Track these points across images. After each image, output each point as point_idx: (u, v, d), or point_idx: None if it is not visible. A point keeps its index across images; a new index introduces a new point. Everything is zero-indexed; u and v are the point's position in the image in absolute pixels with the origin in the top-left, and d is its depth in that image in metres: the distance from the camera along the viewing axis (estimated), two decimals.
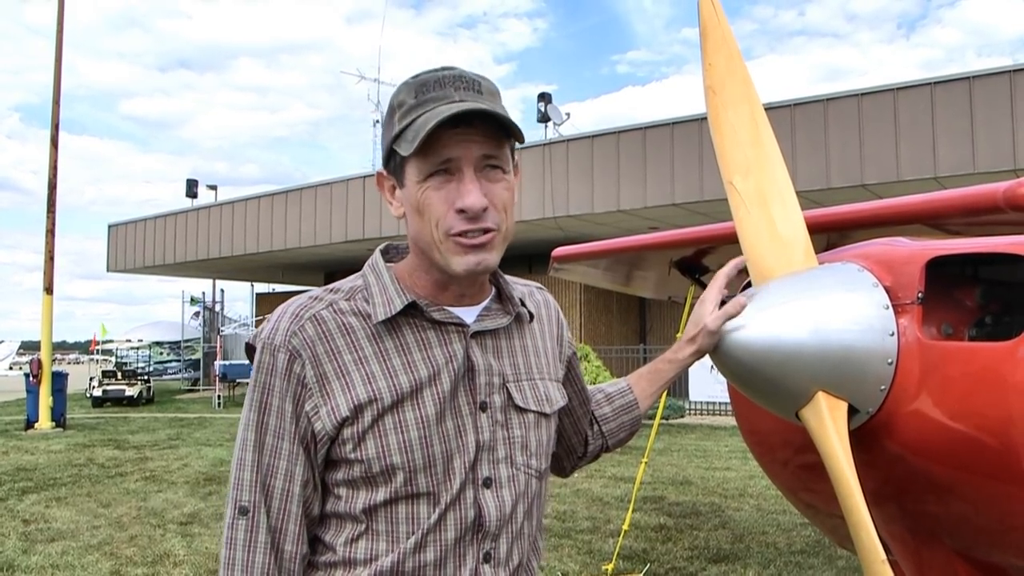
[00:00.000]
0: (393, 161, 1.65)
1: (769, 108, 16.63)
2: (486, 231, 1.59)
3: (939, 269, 2.24)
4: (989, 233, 2.68)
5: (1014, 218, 2.86)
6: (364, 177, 24.44)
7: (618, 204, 19.31)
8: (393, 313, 1.62)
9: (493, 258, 1.63)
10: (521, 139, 1.64)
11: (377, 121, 39.78)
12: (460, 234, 1.58)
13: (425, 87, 1.59)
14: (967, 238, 2.55)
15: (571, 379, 1.97)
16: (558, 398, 1.82)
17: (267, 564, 1.58)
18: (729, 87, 2.36)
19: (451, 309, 1.67)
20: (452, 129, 1.54)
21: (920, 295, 2.16)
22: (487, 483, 1.64)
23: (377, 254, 1.77)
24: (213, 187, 37.61)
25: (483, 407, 1.66)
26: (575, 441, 2.05)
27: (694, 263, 4.89)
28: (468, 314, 1.69)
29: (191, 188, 35.46)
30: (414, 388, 1.60)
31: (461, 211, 1.57)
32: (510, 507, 1.66)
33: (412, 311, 1.64)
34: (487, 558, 1.63)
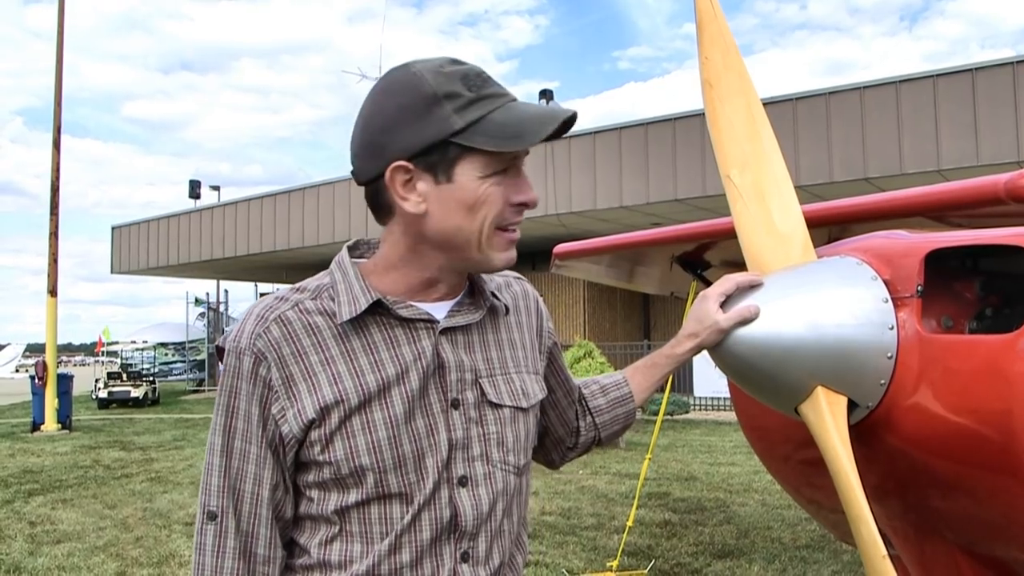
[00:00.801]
0: (440, 154, 1.53)
1: (771, 102, 16.71)
2: None
3: (939, 262, 2.23)
4: (991, 225, 2.67)
5: (1016, 210, 2.85)
6: None
7: (620, 200, 19.31)
8: (358, 312, 1.58)
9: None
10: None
11: None
12: (508, 227, 1.59)
13: (468, 79, 1.55)
14: (968, 230, 2.53)
15: (554, 370, 1.94)
16: (536, 391, 1.78)
17: (236, 570, 1.57)
18: (726, 81, 2.34)
19: (420, 305, 1.64)
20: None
21: (919, 288, 2.15)
22: (462, 482, 1.61)
23: (344, 251, 1.72)
24: (216, 188, 37.76)
25: (455, 404, 1.63)
26: (562, 432, 2.02)
27: (695, 258, 4.88)
28: (438, 310, 1.66)
29: (194, 189, 35.57)
30: (381, 387, 1.57)
31: (520, 205, 1.59)
32: (487, 505, 1.63)
33: (379, 309, 1.60)
34: (465, 557, 1.61)
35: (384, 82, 1.60)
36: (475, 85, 1.54)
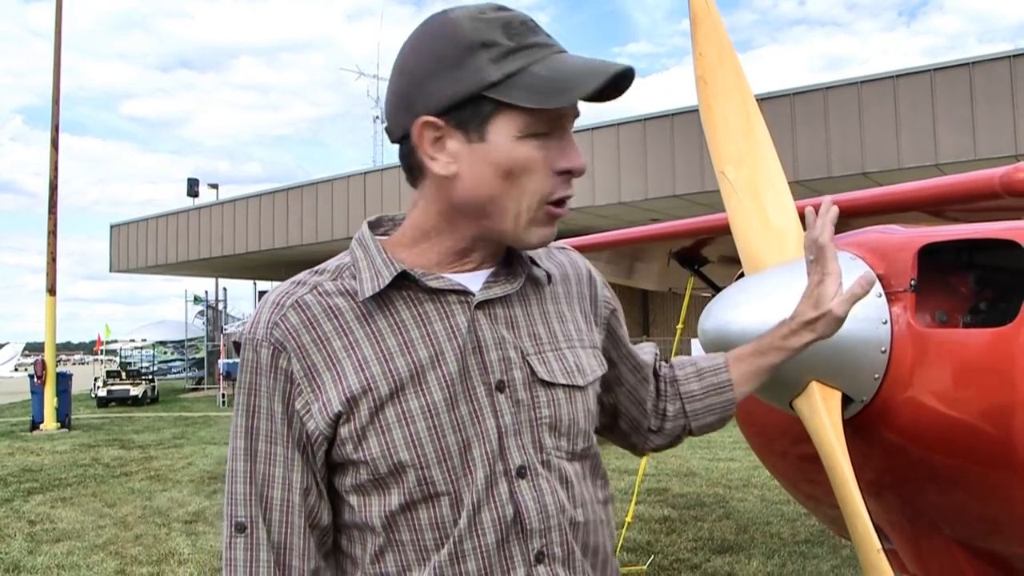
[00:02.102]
0: (475, 109, 1.38)
1: (769, 98, 16.71)
2: None
3: (933, 256, 2.23)
4: (988, 219, 2.67)
5: (1012, 204, 2.85)
6: (365, 173, 24.48)
7: (619, 196, 19.32)
8: (382, 287, 1.42)
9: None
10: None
11: (377, 117, 39.83)
12: (559, 202, 1.43)
13: (511, 26, 1.38)
14: (962, 224, 2.53)
15: (614, 342, 1.74)
16: (595, 366, 1.58)
17: None
18: (720, 77, 2.35)
19: (451, 276, 1.47)
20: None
21: (913, 282, 2.15)
22: (521, 472, 1.44)
23: (365, 226, 1.56)
24: (214, 186, 37.77)
25: (500, 386, 1.45)
26: (636, 413, 1.81)
27: (693, 254, 4.88)
28: (473, 281, 1.48)
29: (192, 187, 35.60)
30: (414, 372, 1.40)
31: (567, 172, 1.42)
32: (551, 496, 1.45)
33: (405, 282, 1.44)
34: (540, 558, 1.44)
35: (419, 30, 1.45)
36: (517, 33, 1.38)
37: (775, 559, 6.99)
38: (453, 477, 1.41)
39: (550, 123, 1.39)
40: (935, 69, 15.87)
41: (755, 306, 2.03)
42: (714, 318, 2.07)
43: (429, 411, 1.40)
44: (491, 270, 1.51)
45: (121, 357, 40.07)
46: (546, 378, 1.49)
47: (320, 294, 1.46)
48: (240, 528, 1.43)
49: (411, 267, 1.45)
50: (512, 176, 1.40)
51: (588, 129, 20.10)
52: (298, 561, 1.44)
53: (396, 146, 1.49)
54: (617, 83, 1.36)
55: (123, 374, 29.40)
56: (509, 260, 1.55)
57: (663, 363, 1.87)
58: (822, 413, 2.01)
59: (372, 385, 1.40)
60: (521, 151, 1.38)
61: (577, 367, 1.54)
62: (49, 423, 19.19)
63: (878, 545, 1.93)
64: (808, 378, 2.03)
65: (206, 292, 37.70)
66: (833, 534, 7.32)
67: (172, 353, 41.01)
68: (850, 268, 2.16)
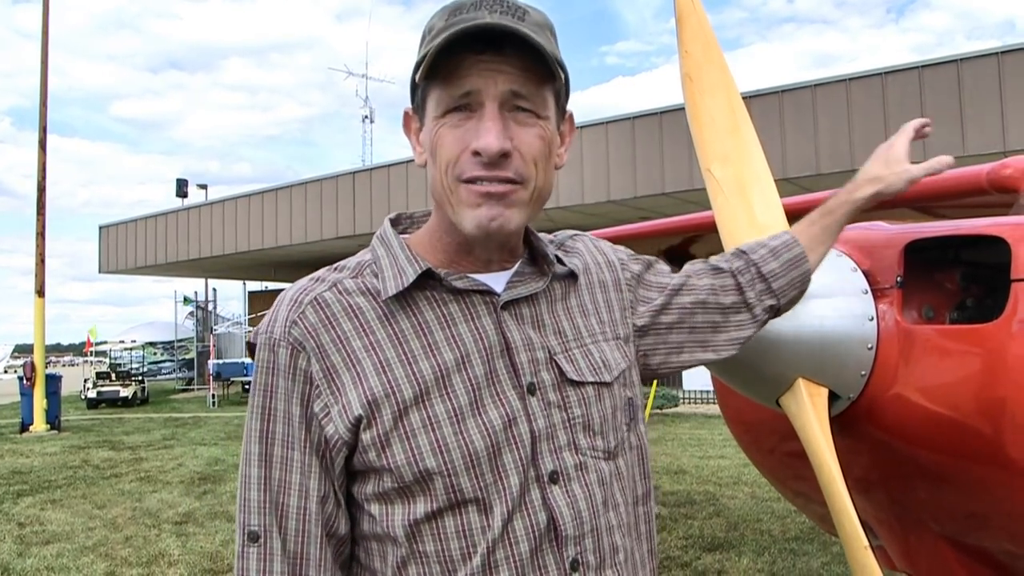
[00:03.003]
0: (416, 96, 1.42)
1: (757, 95, 16.72)
2: (507, 182, 1.35)
3: (919, 253, 2.23)
4: (975, 215, 2.67)
5: (999, 200, 2.85)
6: (354, 173, 24.44)
7: (608, 195, 19.32)
8: (405, 285, 1.38)
9: (515, 216, 1.38)
10: (560, 77, 1.38)
11: (366, 117, 39.78)
12: (472, 180, 1.34)
13: (460, 9, 1.34)
14: (948, 220, 2.54)
15: (662, 302, 1.66)
16: (619, 359, 1.53)
17: None
18: (706, 75, 2.34)
19: (476, 276, 1.43)
20: (477, 56, 1.32)
21: (900, 279, 2.15)
22: (553, 478, 1.39)
23: (386, 223, 1.53)
24: (203, 186, 37.67)
25: (531, 389, 1.40)
26: (721, 320, 1.71)
27: (682, 252, 4.88)
28: (496, 281, 1.45)
29: (181, 188, 35.51)
30: (439, 375, 1.36)
31: (476, 153, 1.33)
32: (585, 502, 1.40)
33: (429, 282, 1.40)
34: (575, 566, 1.38)
35: None
36: (456, 14, 1.35)
37: (765, 556, 7.00)
38: (482, 484, 1.35)
39: (457, 100, 1.35)
40: (923, 66, 15.91)
41: None
42: None
43: (456, 416, 1.35)
44: (514, 269, 1.48)
45: (111, 358, 39.98)
46: (575, 378, 1.45)
47: (340, 292, 1.41)
48: (253, 537, 1.37)
49: (435, 266, 1.42)
50: (434, 156, 1.38)
51: (577, 127, 20.09)
52: (314, 572, 1.38)
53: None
54: (494, 43, 1.31)
55: (113, 375, 29.30)
56: (534, 258, 1.52)
57: (723, 256, 1.80)
58: (809, 410, 2.01)
59: (395, 388, 1.35)
60: (437, 129, 1.37)
61: (603, 362, 1.51)
62: (39, 425, 19.11)
63: (866, 542, 1.93)
64: (795, 375, 2.03)
65: (196, 293, 37.61)
66: (823, 531, 7.35)
67: (162, 354, 40.95)
68: (835, 265, 2.17)
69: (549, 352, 1.44)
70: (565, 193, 19.85)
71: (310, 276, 1.46)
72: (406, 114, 1.48)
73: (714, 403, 20.28)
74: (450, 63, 1.33)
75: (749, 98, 15.86)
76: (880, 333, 2.10)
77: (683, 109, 2.36)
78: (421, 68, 1.35)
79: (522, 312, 1.45)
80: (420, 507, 1.35)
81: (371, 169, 25.27)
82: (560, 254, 1.55)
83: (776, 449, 2.91)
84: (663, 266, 1.75)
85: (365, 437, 1.34)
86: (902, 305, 2.15)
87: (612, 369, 1.51)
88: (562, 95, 1.47)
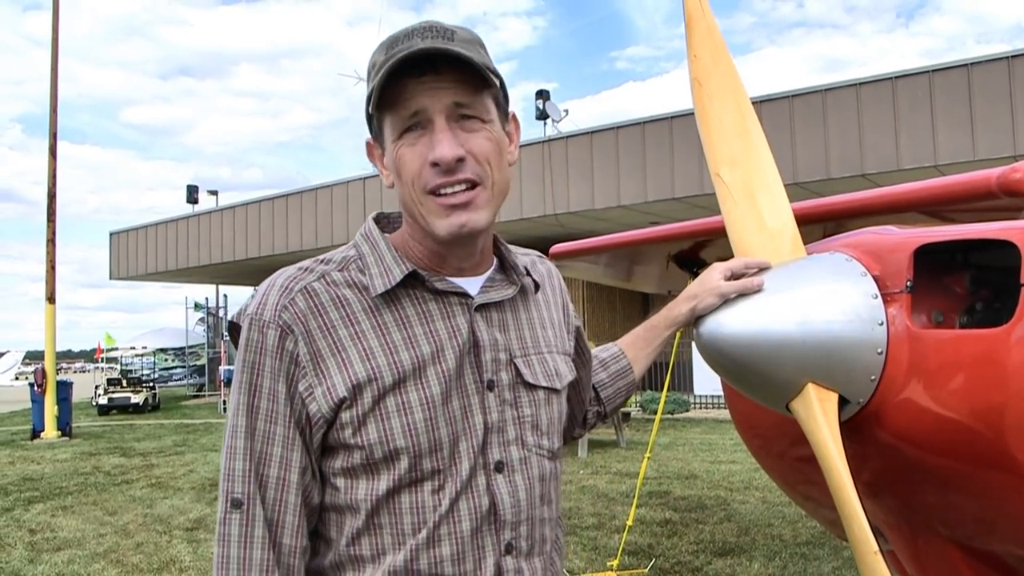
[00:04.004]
0: (373, 126, 1.58)
1: (768, 100, 16.72)
2: (469, 186, 1.50)
3: (928, 257, 2.23)
4: (985, 219, 2.67)
5: (1009, 204, 2.84)
6: (364, 179, 24.47)
7: (618, 200, 19.31)
8: (393, 284, 1.52)
9: (480, 217, 1.53)
10: (493, 83, 1.52)
11: None
12: (437, 191, 1.49)
13: (396, 42, 1.49)
14: (958, 225, 2.53)
15: (579, 350, 1.89)
16: (566, 372, 1.72)
17: (265, 560, 1.46)
18: (715, 79, 2.34)
19: (453, 280, 1.58)
20: (418, 79, 1.47)
21: (909, 283, 2.14)
22: (498, 467, 1.54)
23: (370, 221, 1.67)
24: (214, 192, 37.72)
25: (490, 386, 1.56)
26: (576, 411, 1.97)
27: (691, 256, 4.88)
28: (471, 285, 1.60)
29: (191, 194, 35.59)
30: (416, 366, 1.50)
31: (435, 164, 1.48)
32: (524, 492, 1.57)
33: (412, 281, 1.55)
34: (508, 549, 1.54)
35: None
36: (393, 46, 1.49)
37: (776, 561, 6.99)
38: (441, 467, 1.50)
39: (407, 121, 1.50)
40: (933, 70, 15.87)
41: (749, 308, 2.03)
42: (707, 321, 2.07)
43: (427, 403, 1.49)
44: (486, 275, 1.64)
45: (122, 365, 40.08)
46: (530, 380, 1.62)
47: (328, 283, 1.54)
48: (236, 504, 1.47)
49: (417, 266, 1.56)
50: (399, 175, 1.53)
51: (587, 132, 20.12)
52: (289, 539, 1.49)
53: None
54: (432, 65, 1.46)
55: (124, 382, 29.36)
56: (503, 267, 1.68)
57: None
58: (818, 415, 2.01)
59: (377, 374, 1.48)
60: (397, 150, 1.52)
61: (555, 371, 1.69)
62: (50, 431, 19.18)
63: (875, 547, 1.93)
64: (804, 380, 2.03)
65: (206, 299, 37.67)
66: (833, 536, 7.33)
67: (173, 360, 40.96)
68: (845, 269, 2.16)
69: (510, 355, 1.61)
70: (575, 198, 19.86)
71: (298, 265, 1.58)
72: (368, 144, 1.64)
73: (725, 408, 20.22)
74: (395, 90, 1.48)
75: (759, 102, 15.85)
76: (890, 338, 2.09)
77: (693, 114, 2.37)
78: (371, 100, 1.50)
79: (491, 316, 1.61)
80: (383, 483, 1.49)
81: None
82: (529, 268, 1.73)
83: (786, 454, 2.91)
84: (583, 331, 1.97)
85: (344, 416, 1.48)
86: (912, 309, 2.14)
87: (562, 379, 1.70)
88: (501, 99, 1.60)
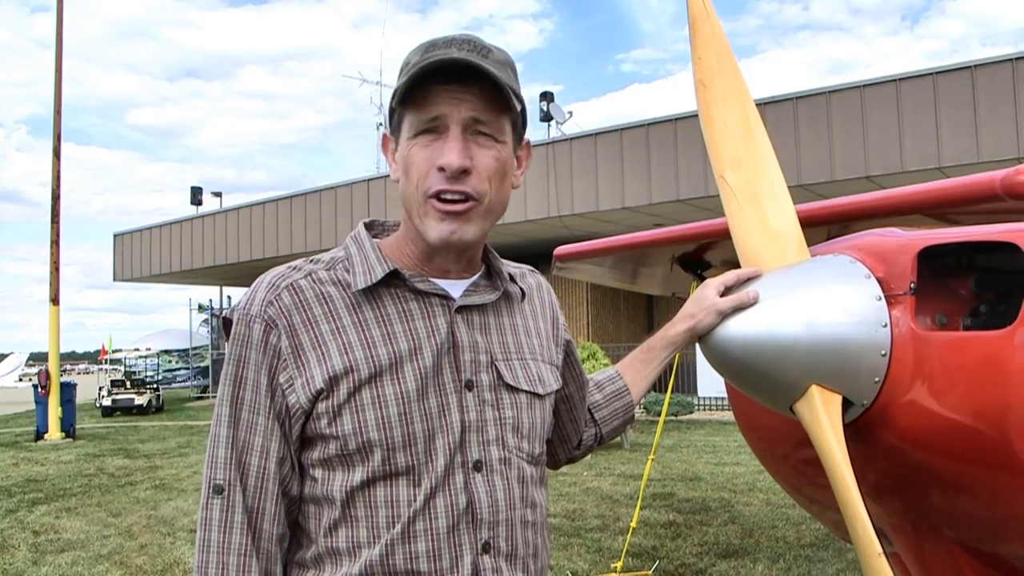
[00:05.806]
0: (393, 120, 1.63)
1: (772, 102, 16.71)
2: (466, 198, 1.55)
3: (933, 259, 2.22)
4: (989, 221, 2.66)
5: (1013, 206, 2.84)
6: (369, 180, 24.51)
7: (623, 201, 19.31)
8: (374, 281, 1.57)
9: (471, 231, 1.58)
10: (516, 108, 1.59)
11: (380, 124, 39.88)
12: (438, 195, 1.54)
13: (434, 46, 1.55)
14: (962, 227, 2.53)
15: (570, 365, 1.92)
16: (551, 381, 1.75)
17: (244, 544, 1.52)
18: (719, 81, 2.34)
19: (436, 281, 1.63)
20: (445, 86, 1.52)
21: (913, 285, 2.14)
22: (477, 466, 1.57)
23: (360, 226, 1.72)
24: (218, 194, 37.75)
25: (469, 385, 1.60)
26: (570, 429, 1.98)
27: (695, 259, 4.87)
28: (455, 288, 1.64)
29: (196, 196, 35.62)
30: (393, 361, 1.54)
31: (441, 169, 1.53)
32: (503, 493, 1.59)
33: (394, 281, 1.59)
34: (486, 548, 1.56)
35: None
36: (430, 50, 1.54)
37: (780, 563, 6.98)
38: (416, 462, 1.53)
39: (426, 123, 1.55)
40: (938, 72, 15.86)
41: (753, 310, 2.03)
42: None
43: (402, 398, 1.53)
44: (472, 280, 1.68)
45: (126, 366, 40.13)
46: (511, 382, 1.65)
47: (314, 281, 1.60)
48: (218, 490, 1.53)
49: (401, 266, 1.60)
50: (407, 172, 1.58)
51: (591, 134, 20.12)
52: (268, 525, 1.55)
53: None
54: (460, 76, 1.52)
55: (128, 383, 29.38)
56: (489, 273, 1.73)
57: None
58: (823, 417, 2.01)
59: (354, 367, 1.52)
60: (410, 149, 1.57)
61: (539, 377, 1.71)
62: (54, 433, 19.19)
63: (879, 549, 1.93)
64: (808, 382, 2.03)
65: (210, 300, 37.76)
66: (838, 538, 7.32)
67: (177, 362, 41.02)
68: (850, 271, 2.16)
69: (491, 357, 1.64)
70: (580, 200, 19.86)
71: (288, 264, 1.64)
72: (384, 137, 1.68)
73: (729, 410, 20.20)
74: (421, 91, 1.53)
75: (764, 104, 15.85)
76: (894, 339, 2.09)
77: (697, 116, 2.37)
78: (397, 95, 1.55)
79: (473, 318, 1.65)
80: (357, 475, 1.53)
81: (386, 177, 25.29)
82: (516, 277, 1.76)
83: (790, 456, 2.91)
84: (575, 348, 1.99)
85: (320, 407, 1.52)
86: (916, 311, 2.14)
87: (546, 385, 1.73)
88: (519, 124, 1.66)
